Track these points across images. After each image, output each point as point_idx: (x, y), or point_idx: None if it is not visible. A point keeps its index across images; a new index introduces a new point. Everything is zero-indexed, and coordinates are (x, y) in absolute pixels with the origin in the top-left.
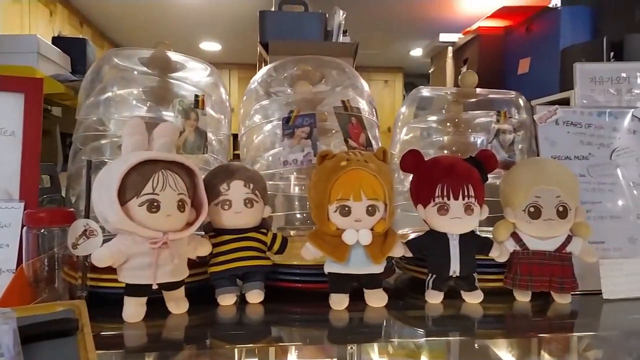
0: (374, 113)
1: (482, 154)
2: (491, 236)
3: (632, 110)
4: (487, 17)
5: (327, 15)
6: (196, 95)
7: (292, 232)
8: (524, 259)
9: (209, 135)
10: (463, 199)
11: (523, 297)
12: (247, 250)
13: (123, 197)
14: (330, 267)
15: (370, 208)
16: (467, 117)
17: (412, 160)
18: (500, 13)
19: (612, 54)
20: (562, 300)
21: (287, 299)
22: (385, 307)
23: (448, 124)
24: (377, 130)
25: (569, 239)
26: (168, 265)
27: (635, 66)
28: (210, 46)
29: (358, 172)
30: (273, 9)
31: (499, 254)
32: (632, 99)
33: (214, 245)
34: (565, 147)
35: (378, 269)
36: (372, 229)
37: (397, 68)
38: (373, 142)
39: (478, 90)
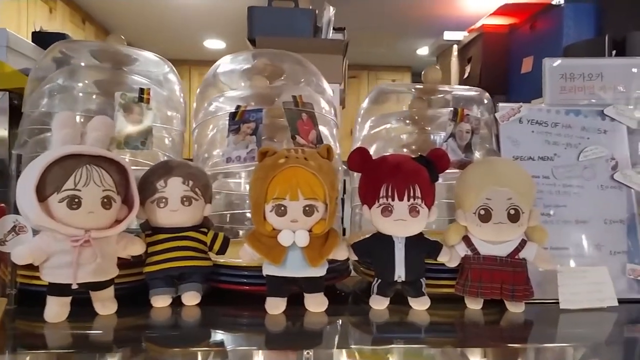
0: (333, 112)
1: (433, 153)
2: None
3: (604, 108)
4: (491, 14)
5: (317, 11)
6: (141, 89)
7: (241, 232)
8: (474, 264)
9: (162, 132)
10: (408, 200)
11: (474, 305)
12: (184, 250)
13: (44, 192)
14: (268, 270)
15: (307, 208)
16: (431, 115)
17: (358, 158)
18: (504, 10)
19: (614, 52)
20: (514, 308)
21: (230, 302)
22: (327, 312)
23: (407, 121)
24: (335, 130)
25: (522, 244)
26: (90, 265)
27: (608, 62)
28: (215, 44)
29: (295, 170)
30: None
31: (448, 259)
32: (604, 97)
33: (150, 245)
34: (529, 147)
35: (317, 272)
36: (310, 230)
37: (405, 67)
38: (331, 142)
39: (441, 87)
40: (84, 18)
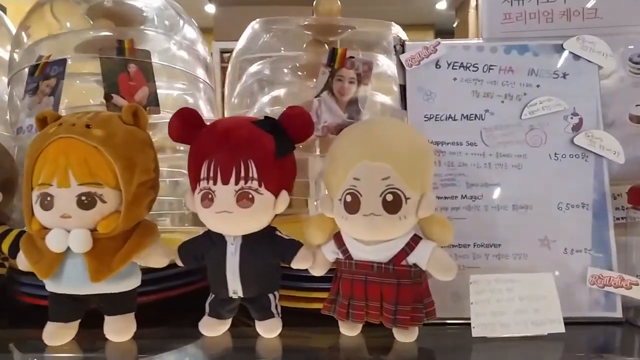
0: (203, 71)
1: (286, 113)
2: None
3: (563, 42)
4: None
5: None
6: None
7: None
8: (346, 273)
9: None
10: (236, 183)
11: (348, 330)
12: None
13: None
14: (49, 284)
15: (84, 197)
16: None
17: (178, 125)
18: None
19: None
20: (402, 337)
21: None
22: (135, 337)
23: (285, 71)
24: (204, 93)
25: (412, 245)
26: None
27: None
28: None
29: (66, 143)
30: None
31: (310, 264)
32: (565, 26)
33: None
34: (449, 102)
35: (111, 287)
36: (95, 229)
37: (427, 25)
38: (202, 107)
39: (341, 21)
40: None
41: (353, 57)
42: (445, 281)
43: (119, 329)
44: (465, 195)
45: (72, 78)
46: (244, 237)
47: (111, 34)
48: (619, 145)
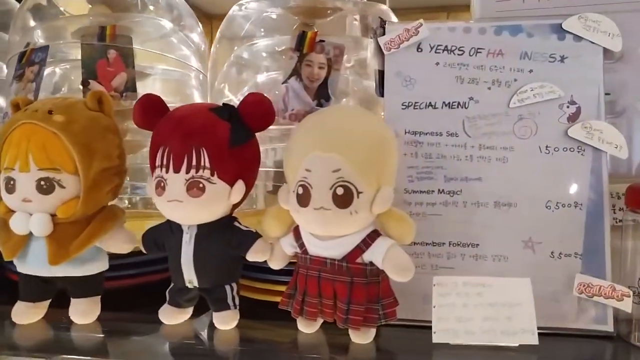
0: (196, 58)
1: (244, 100)
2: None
3: (562, 21)
4: None
5: None
6: None
7: None
8: (302, 268)
9: None
10: (187, 172)
11: (305, 327)
12: None
13: None
14: (18, 265)
15: (43, 182)
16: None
17: (140, 111)
18: None
19: None
20: (356, 338)
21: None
22: (99, 322)
23: (266, 55)
24: (195, 80)
25: (368, 242)
26: None
27: None
28: None
29: (28, 129)
30: None
31: (268, 257)
32: (569, 3)
33: None
34: (430, 89)
35: (74, 271)
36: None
37: (468, 6)
38: (194, 95)
39: (327, 3)
40: None
41: (323, 41)
42: (418, 283)
43: (83, 312)
44: (443, 190)
45: (65, 64)
46: (199, 226)
47: (103, 19)
48: (622, 138)
